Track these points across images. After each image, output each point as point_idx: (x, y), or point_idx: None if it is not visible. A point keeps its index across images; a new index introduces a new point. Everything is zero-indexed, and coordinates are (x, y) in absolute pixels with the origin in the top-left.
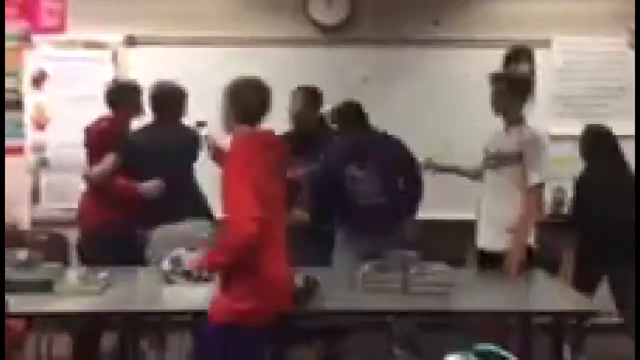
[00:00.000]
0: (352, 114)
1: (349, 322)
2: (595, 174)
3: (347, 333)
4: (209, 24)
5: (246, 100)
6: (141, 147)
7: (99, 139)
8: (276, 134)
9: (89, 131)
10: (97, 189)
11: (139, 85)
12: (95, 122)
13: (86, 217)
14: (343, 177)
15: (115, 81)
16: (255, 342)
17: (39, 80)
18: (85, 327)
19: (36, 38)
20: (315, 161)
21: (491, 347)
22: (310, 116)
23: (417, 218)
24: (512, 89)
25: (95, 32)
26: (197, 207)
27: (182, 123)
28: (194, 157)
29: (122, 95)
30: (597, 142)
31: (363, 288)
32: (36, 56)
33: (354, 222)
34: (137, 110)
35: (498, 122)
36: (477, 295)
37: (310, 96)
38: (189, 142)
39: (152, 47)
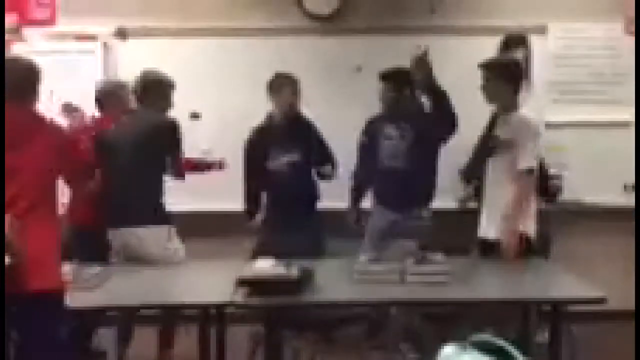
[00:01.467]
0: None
1: (345, 313)
2: None
3: (342, 324)
4: (200, 15)
5: (7, 79)
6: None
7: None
8: (16, 108)
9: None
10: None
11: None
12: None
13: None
14: (381, 134)
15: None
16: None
17: None
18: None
19: (26, 31)
20: (292, 151)
21: (488, 337)
22: (293, 105)
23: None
24: (503, 76)
25: (86, 24)
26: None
27: (155, 114)
28: (157, 151)
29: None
30: None
31: (359, 279)
32: (26, 50)
33: (378, 186)
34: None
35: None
36: (474, 284)
37: (292, 85)
38: (154, 135)
39: (143, 39)
